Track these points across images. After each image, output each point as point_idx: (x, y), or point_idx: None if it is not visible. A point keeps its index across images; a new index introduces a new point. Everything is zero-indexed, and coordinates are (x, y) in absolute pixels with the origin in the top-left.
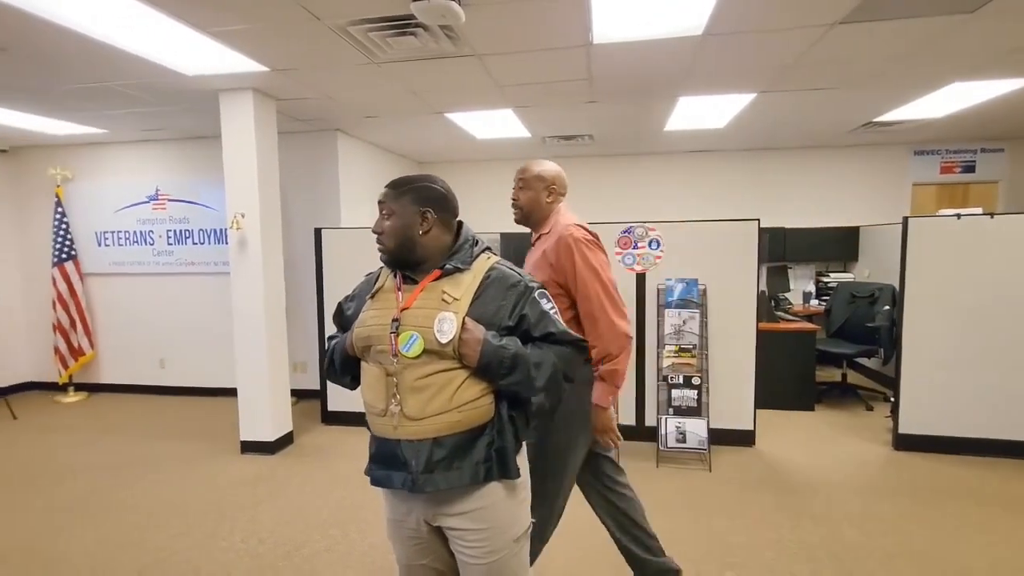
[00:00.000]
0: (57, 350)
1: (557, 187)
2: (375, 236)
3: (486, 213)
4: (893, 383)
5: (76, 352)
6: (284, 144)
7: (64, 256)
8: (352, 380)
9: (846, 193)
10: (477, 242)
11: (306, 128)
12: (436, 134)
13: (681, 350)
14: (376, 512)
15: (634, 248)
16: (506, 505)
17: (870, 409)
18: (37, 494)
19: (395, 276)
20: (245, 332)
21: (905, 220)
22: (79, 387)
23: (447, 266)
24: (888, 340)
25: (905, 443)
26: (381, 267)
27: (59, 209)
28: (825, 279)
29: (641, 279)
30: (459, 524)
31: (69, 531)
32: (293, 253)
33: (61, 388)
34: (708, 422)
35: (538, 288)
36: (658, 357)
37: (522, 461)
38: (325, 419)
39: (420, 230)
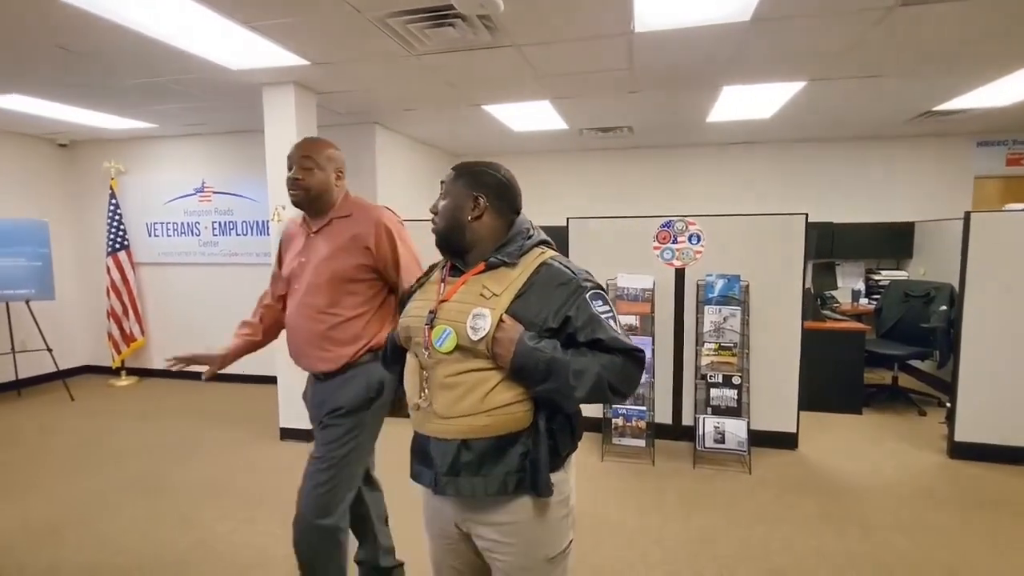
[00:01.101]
0: (111, 336)
1: (343, 169)
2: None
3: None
4: (949, 388)
5: (128, 338)
6: (323, 137)
7: (117, 246)
8: (402, 370)
9: (901, 187)
10: (531, 235)
11: (345, 121)
12: (473, 127)
13: (721, 348)
14: (405, 501)
15: (673, 243)
16: (538, 523)
17: (923, 414)
18: (93, 472)
19: (443, 268)
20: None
21: (967, 215)
22: (130, 371)
23: (492, 259)
24: (944, 342)
25: (961, 451)
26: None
27: (113, 201)
28: (876, 277)
29: (680, 274)
30: (488, 534)
31: (120, 508)
32: None
33: (114, 372)
34: (748, 423)
35: (592, 288)
36: (696, 355)
37: (563, 477)
38: None
39: (470, 215)
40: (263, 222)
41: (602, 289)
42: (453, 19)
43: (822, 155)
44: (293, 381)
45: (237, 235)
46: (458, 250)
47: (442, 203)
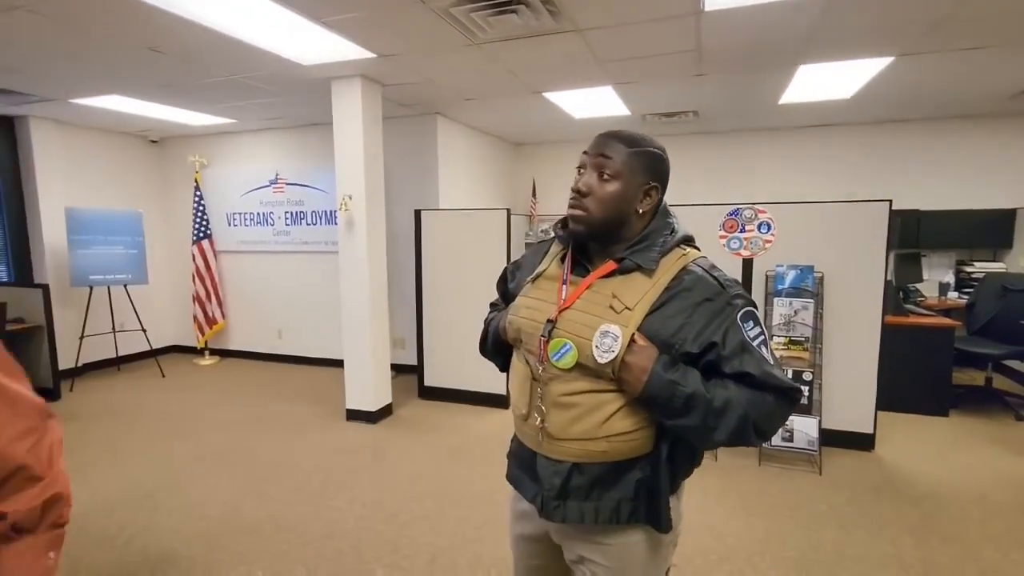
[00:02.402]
0: (195, 318)
1: None
2: (571, 197)
3: None
4: None
5: (211, 321)
6: (387, 128)
7: (201, 235)
8: (503, 362)
9: (1000, 170)
10: (674, 230)
11: (408, 112)
12: (533, 114)
13: (791, 342)
14: (465, 486)
15: (741, 231)
16: (645, 551)
17: (1020, 419)
18: (181, 443)
19: (562, 261)
20: (351, 308)
21: None
22: (213, 351)
23: (628, 262)
24: None
25: None
26: (553, 239)
27: (197, 192)
28: (968, 269)
29: (748, 265)
30: (586, 552)
31: (204, 477)
32: (395, 233)
33: (199, 352)
34: (820, 421)
35: (744, 307)
36: None
37: (674, 503)
38: (421, 394)
39: (640, 207)
40: (332, 212)
41: (754, 306)
42: (516, 5)
43: (908, 137)
44: (358, 365)
45: (308, 224)
46: (603, 244)
47: (605, 185)
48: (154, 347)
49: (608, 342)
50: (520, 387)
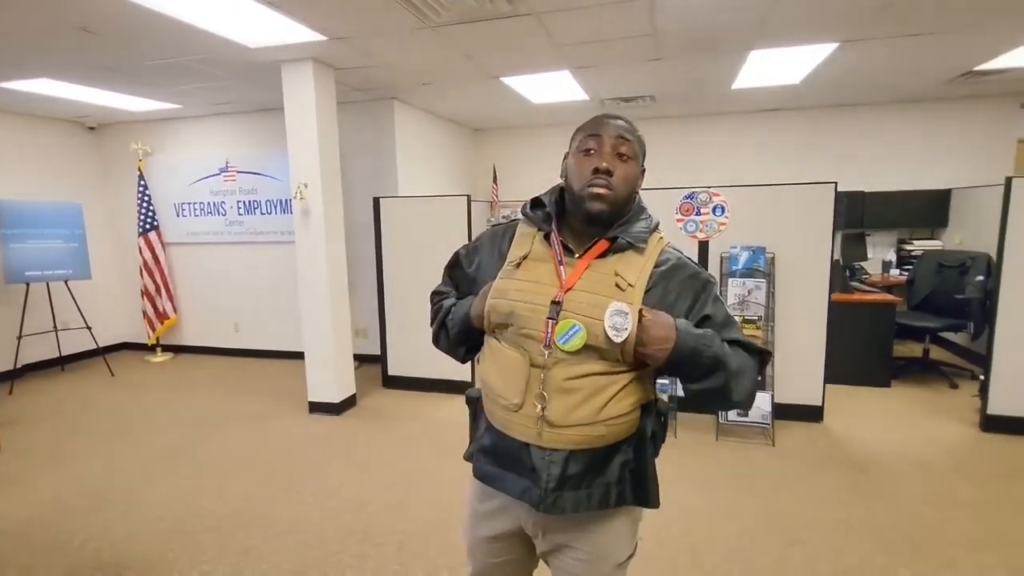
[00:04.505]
0: (145, 314)
1: None
2: (594, 177)
3: (551, 178)
4: (983, 360)
5: (161, 316)
6: (343, 114)
7: (148, 227)
8: (467, 352)
9: (936, 152)
10: (650, 216)
11: (363, 97)
12: (492, 99)
13: (745, 321)
14: (432, 473)
15: (696, 214)
16: (621, 531)
17: (955, 387)
18: (133, 444)
19: (546, 240)
20: (310, 298)
21: (1008, 180)
22: (165, 348)
23: (621, 239)
24: (980, 313)
25: (995, 424)
26: (512, 221)
27: (141, 182)
28: (908, 247)
29: (704, 247)
30: (567, 540)
31: (161, 477)
32: (353, 222)
33: (150, 349)
34: (773, 396)
35: (716, 286)
36: None
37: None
38: (385, 383)
39: (638, 186)
40: (286, 201)
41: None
42: None
43: (854, 121)
44: (319, 356)
45: (262, 214)
46: (603, 226)
47: (628, 167)
48: (101, 345)
49: (620, 320)
50: (512, 375)
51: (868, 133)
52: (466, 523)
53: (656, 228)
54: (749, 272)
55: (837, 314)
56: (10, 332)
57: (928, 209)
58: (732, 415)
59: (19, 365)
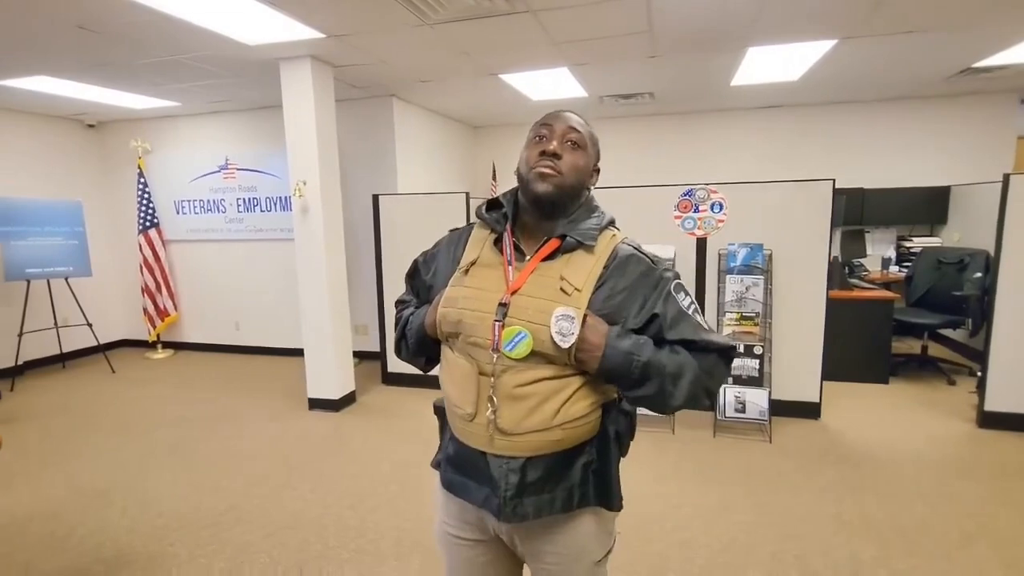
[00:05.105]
0: (146, 311)
1: None
2: (540, 159)
3: None
4: (980, 357)
5: (162, 313)
6: (342, 111)
7: (148, 224)
8: (428, 362)
9: (936, 149)
10: (602, 211)
11: (362, 95)
12: (490, 97)
13: (743, 318)
14: (429, 469)
15: (695, 211)
16: (594, 531)
17: (952, 384)
18: (134, 440)
19: (496, 244)
20: (309, 295)
21: (1006, 177)
22: (166, 345)
23: (571, 239)
24: (978, 310)
25: (991, 421)
26: (470, 225)
27: (141, 180)
28: (907, 244)
29: (702, 244)
30: (539, 545)
31: (160, 475)
32: (353, 219)
33: (151, 345)
34: (770, 393)
35: (675, 279)
36: (718, 325)
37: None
38: (385, 380)
39: (589, 184)
40: (286, 198)
41: (680, 278)
42: None
43: (853, 118)
44: (319, 353)
45: (262, 211)
46: (552, 217)
47: (577, 155)
48: (102, 342)
49: (566, 325)
50: (462, 385)
51: (867, 130)
52: (438, 536)
53: (609, 225)
54: (747, 269)
55: (835, 311)
56: (11, 329)
57: (927, 206)
58: (730, 411)
59: (20, 362)
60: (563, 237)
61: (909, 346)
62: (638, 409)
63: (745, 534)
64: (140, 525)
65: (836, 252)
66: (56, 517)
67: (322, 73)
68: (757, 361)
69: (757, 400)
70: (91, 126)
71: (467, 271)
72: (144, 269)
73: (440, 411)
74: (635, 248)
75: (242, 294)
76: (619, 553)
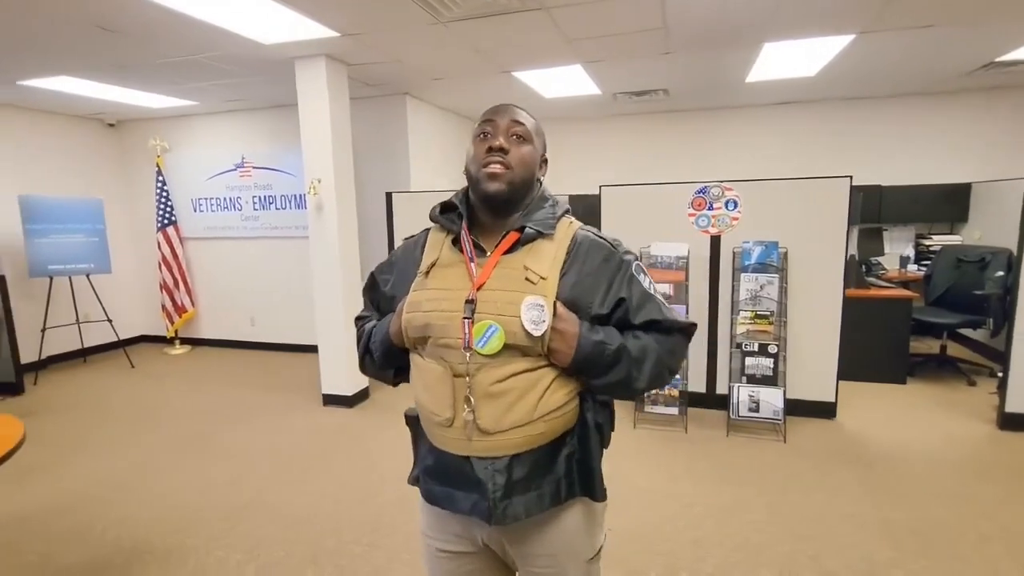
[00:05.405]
0: (164, 307)
1: None
2: (487, 155)
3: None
4: (1002, 357)
5: (180, 309)
6: (355, 109)
7: (166, 221)
8: (396, 373)
9: (957, 145)
10: (555, 201)
11: (376, 93)
12: (503, 94)
13: (757, 316)
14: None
15: (709, 209)
16: (583, 526)
17: (972, 384)
18: (153, 434)
19: (455, 244)
20: (324, 292)
21: None
22: (184, 340)
23: (529, 230)
24: (999, 310)
25: (1013, 422)
26: (425, 230)
27: (160, 178)
28: (926, 242)
29: (716, 242)
30: (527, 545)
31: (176, 468)
32: (366, 216)
33: (169, 341)
34: (785, 392)
35: (634, 260)
36: (732, 323)
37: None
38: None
39: (539, 175)
40: (301, 196)
41: (640, 259)
42: None
43: (871, 114)
44: (333, 350)
45: (277, 209)
46: (506, 213)
47: (524, 148)
48: (122, 338)
49: (537, 313)
50: (436, 389)
51: (886, 126)
52: (424, 552)
53: (565, 214)
54: (762, 267)
55: (852, 310)
56: (35, 325)
57: (947, 203)
58: (744, 411)
59: (43, 357)
60: (522, 229)
61: (928, 346)
62: (649, 408)
63: (758, 534)
64: (159, 517)
65: (853, 250)
66: (78, 509)
67: (336, 72)
68: (772, 360)
69: (771, 399)
70: (111, 125)
71: (428, 273)
72: (162, 266)
73: (412, 421)
74: (594, 234)
75: (257, 291)
76: (631, 552)
